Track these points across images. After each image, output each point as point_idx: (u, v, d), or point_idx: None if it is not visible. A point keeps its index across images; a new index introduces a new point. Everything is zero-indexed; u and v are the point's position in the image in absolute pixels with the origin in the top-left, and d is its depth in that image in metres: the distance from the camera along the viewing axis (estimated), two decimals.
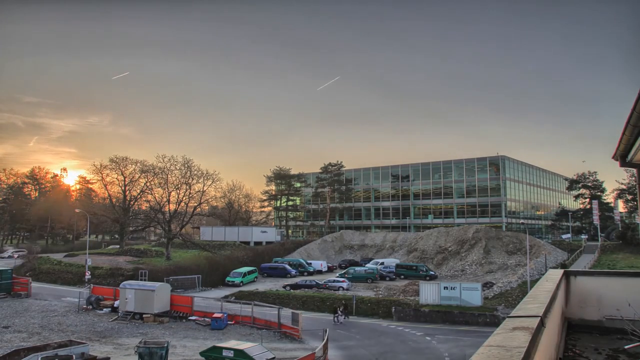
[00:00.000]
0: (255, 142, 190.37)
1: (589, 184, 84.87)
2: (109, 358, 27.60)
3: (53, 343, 28.06)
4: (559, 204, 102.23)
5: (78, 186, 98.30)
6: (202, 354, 27.42)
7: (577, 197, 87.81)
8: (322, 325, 37.42)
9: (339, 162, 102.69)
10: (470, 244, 69.82)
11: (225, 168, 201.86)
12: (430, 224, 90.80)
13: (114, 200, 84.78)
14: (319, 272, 67.49)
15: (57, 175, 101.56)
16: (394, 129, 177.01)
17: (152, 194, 77.99)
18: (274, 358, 27.11)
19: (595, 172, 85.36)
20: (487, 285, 50.90)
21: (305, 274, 65.35)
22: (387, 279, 61.36)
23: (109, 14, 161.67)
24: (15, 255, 74.32)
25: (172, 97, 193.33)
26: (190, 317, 41.05)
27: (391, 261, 69.00)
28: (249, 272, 61.81)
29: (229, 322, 39.07)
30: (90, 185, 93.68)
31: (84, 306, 44.08)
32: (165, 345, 27.02)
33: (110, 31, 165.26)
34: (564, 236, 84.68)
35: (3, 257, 74.80)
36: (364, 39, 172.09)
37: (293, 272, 65.18)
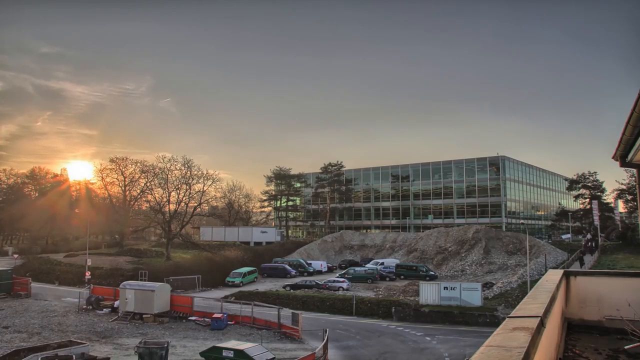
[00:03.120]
0: (255, 142, 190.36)
1: (589, 184, 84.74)
2: (109, 358, 27.62)
3: (53, 343, 28.08)
4: (559, 204, 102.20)
5: (78, 186, 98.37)
6: (202, 354, 27.41)
7: (577, 197, 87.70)
8: (322, 325, 37.41)
9: (339, 162, 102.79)
10: (470, 244, 69.81)
11: (224, 167, 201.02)
12: (430, 224, 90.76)
13: (114, 200, 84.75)
14: (319, 272, 67.50)
15: (57, 175, 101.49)
16: (394, 129, 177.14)
17: (152, 194, 78.05)
18: (274, 358, 27.12)
19: (595, 172, 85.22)
20: (487, 285, 50.88)
21: (305, 274, 65.34)
22: (387, 279, 61.35)
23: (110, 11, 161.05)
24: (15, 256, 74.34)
25: (174, 96, 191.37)
26: (190, 318, 41.08)
27: (391, 261, 69.00)
28: (249, 273, 61.83)
29: (229, 323, 39.09)
30: (90, 186, 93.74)
31: (84, 306, 44.08)
32: (165, 345, 27.04)
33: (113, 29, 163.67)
34: (563, 236, 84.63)
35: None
36: (364, 39, 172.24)
37: (293, 272, 65.18)
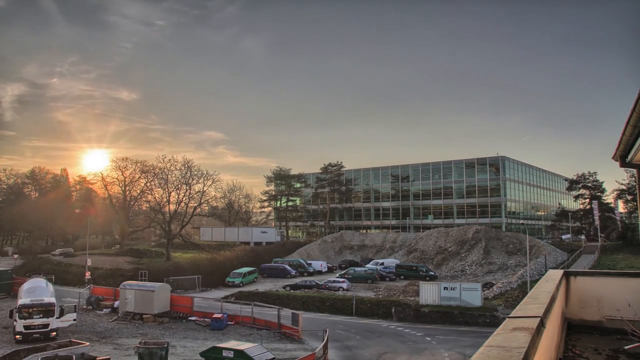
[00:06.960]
0: (255, 141, 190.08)
1: (589, 185, 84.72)
2: (109, 358, 27.59)
3: (53, 343, 28.09)
4: (559, 204, 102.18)
5: (78, 186, 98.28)
6: (202, 354, 27.41)
7: (577, 197, 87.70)
8: (322, 325, 37.39)
9: (339, 163, 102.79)
10: (470, 244, 69.78)
11: (224, 167, 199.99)
12: (430, 224, 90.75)
13: (114, 200, 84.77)
14: (319, 272, 67.46)
15: (57, 176, 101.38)
16: (394, 129, 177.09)
17: (152, 195, 78.08)
18: (274, 358, 27.11)
19: (595, 172, 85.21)
20: (487, 285, 50.87)
21: (305, 274, 65.30)
22: (387, 279, 61.32)
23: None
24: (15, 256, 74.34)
25: (174, 96, 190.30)
26: (190, 318, 41.07)
27: (391, 261, 68.95)
28: (249, 273, 61.80)
29: (229, 323, 39.08)
30: (90, 186, 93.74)
31: (84, 306, 44.08)
32: (165, 345, 27.04)
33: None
34: (563, 236, 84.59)
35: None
36: (363, 38, 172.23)
37: (293, 272, 65.15)
